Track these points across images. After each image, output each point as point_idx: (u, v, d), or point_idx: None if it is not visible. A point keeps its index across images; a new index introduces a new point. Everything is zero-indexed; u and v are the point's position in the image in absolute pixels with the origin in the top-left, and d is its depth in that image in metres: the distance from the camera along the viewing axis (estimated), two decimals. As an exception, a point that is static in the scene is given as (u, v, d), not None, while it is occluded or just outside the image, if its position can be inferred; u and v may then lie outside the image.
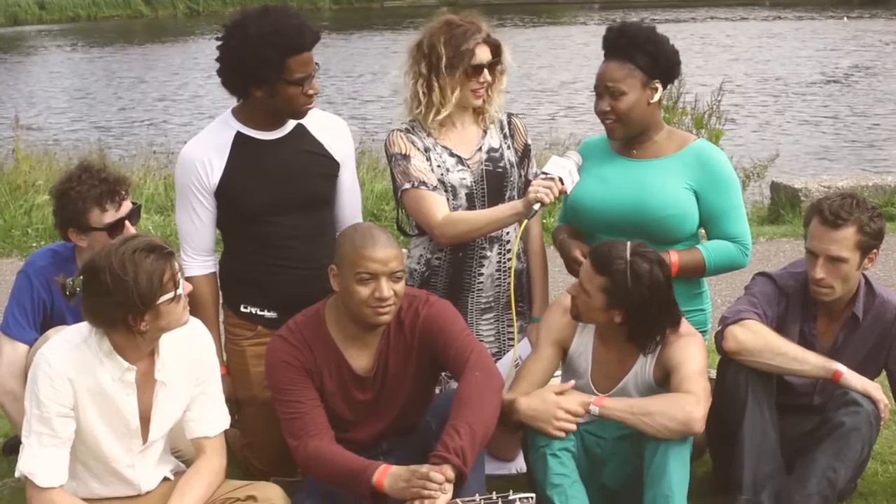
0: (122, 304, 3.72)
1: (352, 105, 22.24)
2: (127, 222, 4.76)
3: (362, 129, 15.42)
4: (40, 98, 26.07)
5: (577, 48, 29.99)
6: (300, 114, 4.75)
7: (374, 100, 22.55)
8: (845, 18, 39.43)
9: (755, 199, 12.12)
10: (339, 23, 45.77)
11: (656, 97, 4.79)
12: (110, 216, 4.72)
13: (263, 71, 4.54)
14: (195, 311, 4.69)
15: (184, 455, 4.46)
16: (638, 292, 4.24)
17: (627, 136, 4.86)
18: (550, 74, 26.22)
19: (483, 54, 4.86)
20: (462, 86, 4.86)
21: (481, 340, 5.01)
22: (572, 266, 4.90)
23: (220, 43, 4.67)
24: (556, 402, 4.27)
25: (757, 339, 4.44)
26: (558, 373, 4.73)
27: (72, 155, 13.34)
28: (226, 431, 4.24)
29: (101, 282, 3.72)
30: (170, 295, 3.79)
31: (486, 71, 4.87)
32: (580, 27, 41.11)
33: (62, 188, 4.78)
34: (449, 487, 3.88)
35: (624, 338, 4.44)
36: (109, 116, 22.77)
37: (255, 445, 4.95)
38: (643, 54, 4.74)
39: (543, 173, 4.65)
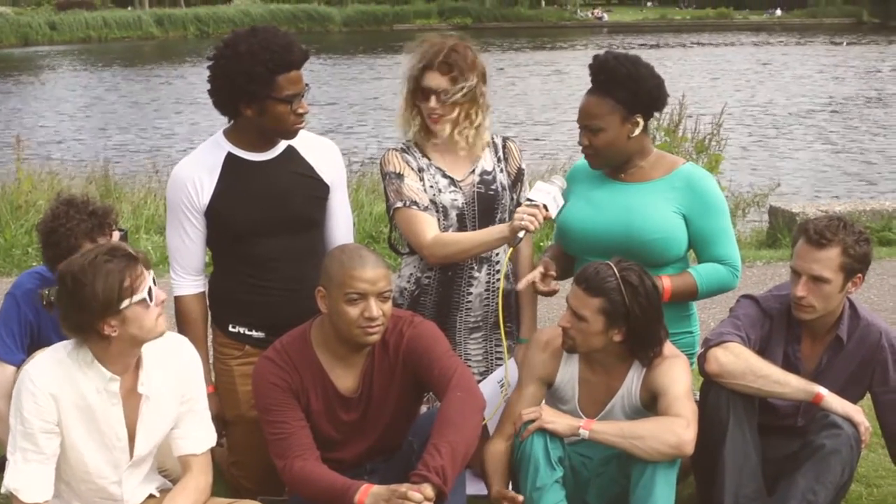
0: (83, 308, 3.75)
1: (358, 126, 22.33)
2: None
3: (368, 150, 15.50)
4: (47, 118, 26.22)
5: (584, 71, 30.14)
6: (290, 133, 4.76)
7: (380, 121, 22.63)
8: (844, 44, 39.63)
9: (754, 224, 12.17)
10: (350, 45, 46.03)
11: (637, 131, 4.77)
12: None
13: (252, 87, 4.56)
14: (184, 329, 4.77)
15: (171, 474, 4.47)
16: (636, 304, 4.28)
17: (607, 167, 4.89)
18: (555, 97, 26.35)
19: (431, 80, 4.84)
20: (420, 108, 4.89)
21: (469, 360, 5.07)
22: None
23: (210, 63, 4.71)
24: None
25: (738, 361, 4.45)
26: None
27: (74, 174, 13.44)
28: (213, 449, 4.25)
29: (65, 287, 3.77)
30: (134, 299, 3.78)
31: (433, 97, 4.85)
32: (590, 51, 41.31)
33: (50, 226, 4.76)
34: (429, 506, 3.90)
35: (617, 358, 4.47)
36: (114, 137, 22.88)
37: (242, 464, 4.97)
38: (623, 90, 4.71)
39: (528, 200, 4.66)
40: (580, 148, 4.86)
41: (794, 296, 4.53)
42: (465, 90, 4.83)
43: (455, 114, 4.87)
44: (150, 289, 3.83)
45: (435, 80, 4.83)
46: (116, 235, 4.82)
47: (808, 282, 4.48)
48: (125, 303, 3.78)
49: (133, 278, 3.78)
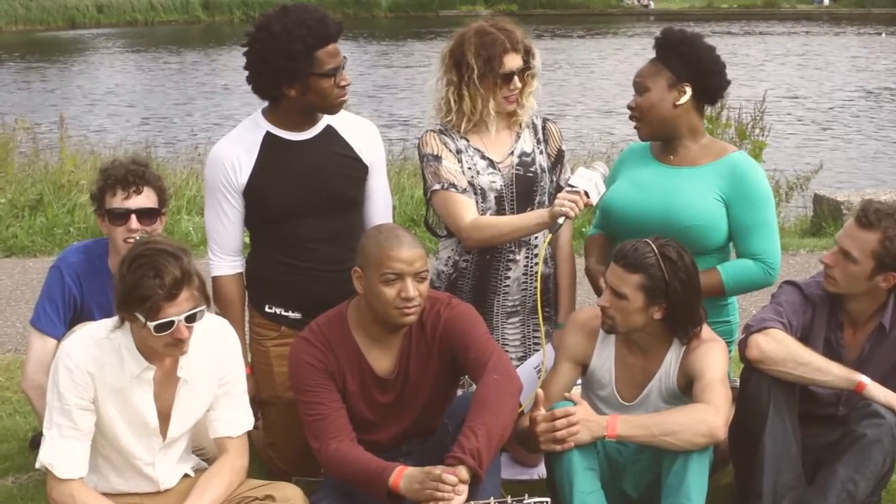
0: (117, 289, 3.81)
1: (403, 111, 22.31)
2: (133, 217, 4.79)
3: (411, 134, 15.47)
4: (92, 99, 26.34)
5: (632, 59, 30.09)
6: (335, 107, 4.75)
7: (425, 106, 22.54)
8: (883, 34, 39.38)
9: (798, 212, 12.08)
10: (395, 31, 46.01)
11: (683, 99, 4.74)
12: (117, 202, 4.78)
13: (293, 66, 4.55)
14: (222, 310, 4.75)
15: (207, 453, 4.47)
16: (677, 279, 4.25)
17: (652, 137, 4.84)
18: (604, 84, 26.25)
19: (512, 62, 4.86)
20: (494, 94, 4.87)
21: (507, 344, 5.06)
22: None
23: (246, 49, 4.69)
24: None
25: (780, 348, 4.40)
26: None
27: (117, 155, 13.47)
28: (249, 431, 4.25)
29: (123, 259, 3.84)
30: (142, 318, 3.76)
31: (516, 78, 4.88)
32: (636, 39, 41.08)
33: (102, 167, 4.97)
34: (463, 489, 3.87)
35: (656, 338, 4.43)
36: (158, 119, 22.96)
37: (277, 445, 4.96)
38: (675, 55, 4.73)
39: (569, 186, 4.64)
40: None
41: (822, 260, 4.57)
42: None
43: (524, 88, 4.98)
44: (164, 323, 3.76)
45: (515, 61, 4.89)
46: (140, 201, 4.83)
47: (838, 253, 4.48)
48: (137, 314, 3.76)
49: (153, 307, 3.73)
